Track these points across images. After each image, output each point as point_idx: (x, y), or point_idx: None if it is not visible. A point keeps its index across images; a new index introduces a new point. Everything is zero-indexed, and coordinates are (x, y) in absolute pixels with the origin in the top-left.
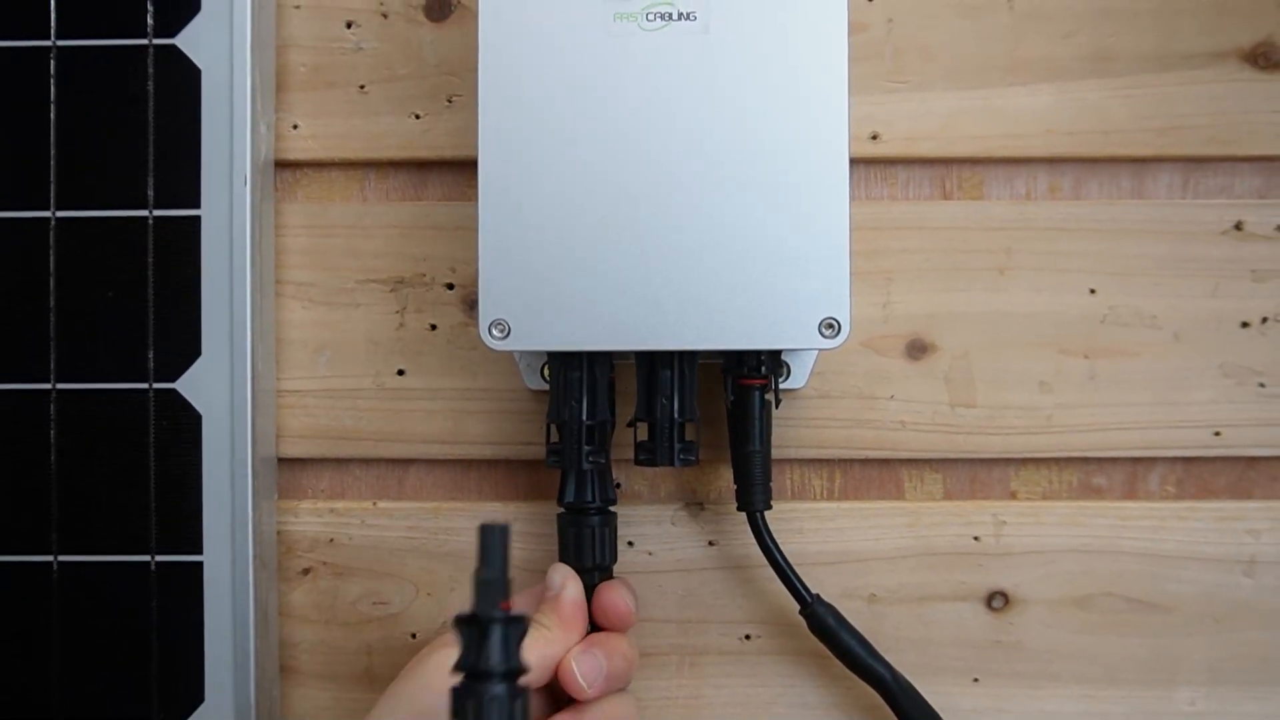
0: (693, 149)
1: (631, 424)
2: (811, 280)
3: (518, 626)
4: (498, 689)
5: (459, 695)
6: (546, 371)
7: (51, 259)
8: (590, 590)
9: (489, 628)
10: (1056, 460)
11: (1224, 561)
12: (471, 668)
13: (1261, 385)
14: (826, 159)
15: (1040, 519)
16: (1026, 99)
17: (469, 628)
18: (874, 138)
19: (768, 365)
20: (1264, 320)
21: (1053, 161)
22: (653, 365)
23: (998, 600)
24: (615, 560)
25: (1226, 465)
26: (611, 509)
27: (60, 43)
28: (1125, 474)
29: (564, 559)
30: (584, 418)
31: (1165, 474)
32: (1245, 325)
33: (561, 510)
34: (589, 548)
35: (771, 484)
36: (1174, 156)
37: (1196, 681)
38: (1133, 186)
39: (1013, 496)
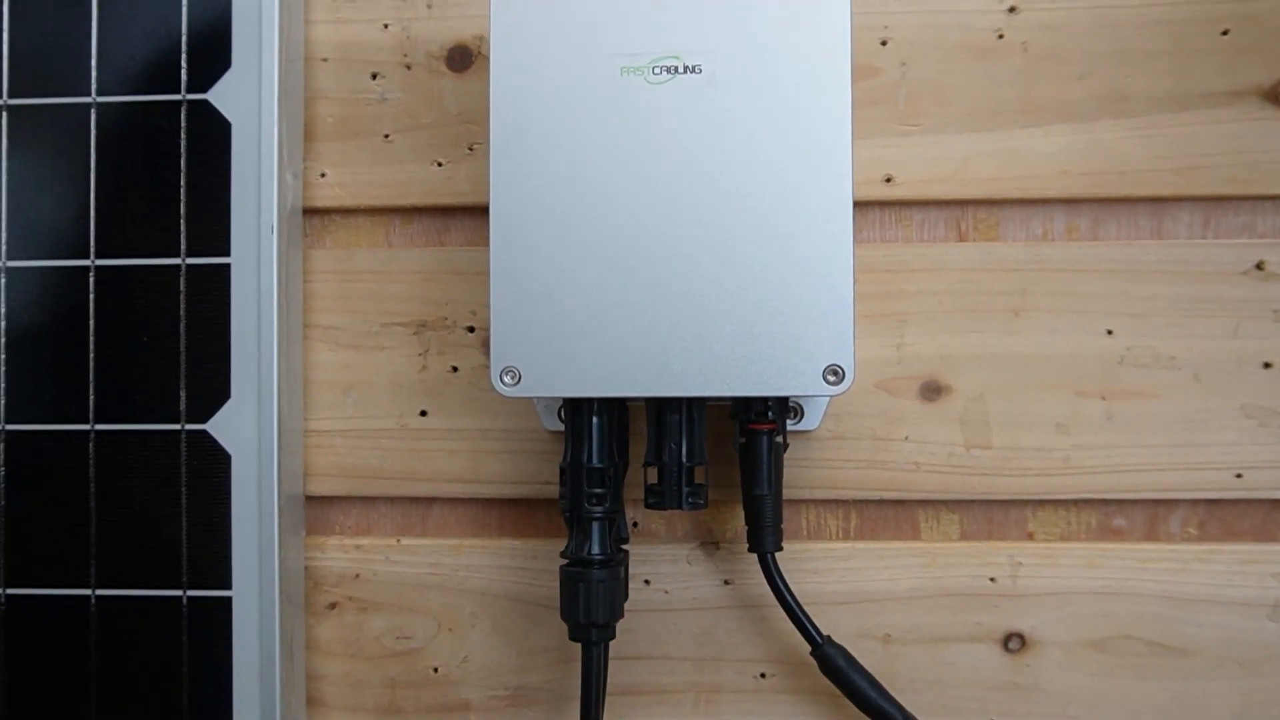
0: (699, 199)
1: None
2: (816, 328)
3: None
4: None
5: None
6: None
7: (91, 305)
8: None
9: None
10: (1075, 502)
11: (1248, 605)
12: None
13: None
14: (831, 208)
15: (1057, 561)
16: (1041, 140)
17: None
18: (888, 180)
19: (775, 410)
20: None
21: (1070, 202)
22: (661, 410)
23: (1014, 642)
24: (627, 598)
25: (1250, 508)
26: (624, 547)
27: (100, 99)
28: (1145, 516)
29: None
30: (593, 462)
31: (1187, 516)
32: (1268, 366)
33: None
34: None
35: (783, 525)
36: (1194, 196)
37: None
38: (1152, 226)
39: (1030, 538)
